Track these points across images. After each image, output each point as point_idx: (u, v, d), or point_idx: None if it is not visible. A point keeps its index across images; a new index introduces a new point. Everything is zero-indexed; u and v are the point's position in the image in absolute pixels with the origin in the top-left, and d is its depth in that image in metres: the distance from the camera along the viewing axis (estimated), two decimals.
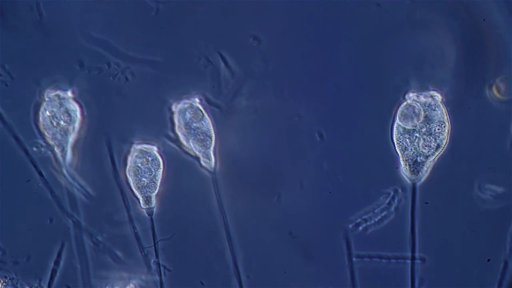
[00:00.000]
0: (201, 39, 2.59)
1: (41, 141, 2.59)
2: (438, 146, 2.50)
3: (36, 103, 2.59)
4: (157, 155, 2.57)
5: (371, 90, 2.57)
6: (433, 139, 2.50)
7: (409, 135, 2.50)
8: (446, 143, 2.51)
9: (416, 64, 2.54)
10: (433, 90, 2.51)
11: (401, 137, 2.51)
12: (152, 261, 2.60)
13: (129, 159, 2.57)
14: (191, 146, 2.58)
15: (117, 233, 2.61)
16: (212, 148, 2.58)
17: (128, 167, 2.57)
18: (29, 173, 2.60)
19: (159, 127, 2.58)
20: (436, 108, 2.50)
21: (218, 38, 2.59)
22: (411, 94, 2.52)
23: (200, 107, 2.58)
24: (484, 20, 2.53)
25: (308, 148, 2.60)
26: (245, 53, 2.59)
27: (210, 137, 2.58)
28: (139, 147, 2.57)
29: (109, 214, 2.61)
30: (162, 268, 2.61)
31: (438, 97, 2.50)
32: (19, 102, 2.60)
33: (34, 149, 2.59)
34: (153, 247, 2.60)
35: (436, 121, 2.49)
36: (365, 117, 2.57)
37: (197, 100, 2.58)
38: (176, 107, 2.58)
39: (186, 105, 2.57)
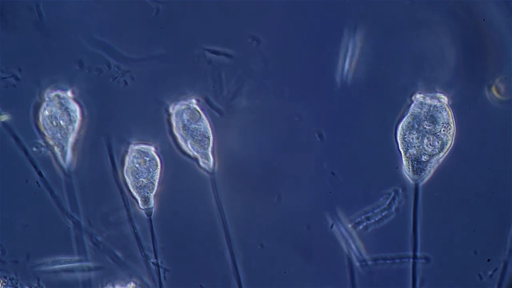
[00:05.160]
0: (201, 39, 2.59)
1: (41, 141, 2.59)
2: (442, 146, 2.49)
3: (36, 103, 2.59)
4: (155, 155, 2.57)
5: (371, 90, 2.57)
6: (437, 139, 2.49)
7: (415, 132, 2.50)
8: (451, 144, 2.51)
9: (416, 64, 2.54)
10: (440, 92, 2.51)
11: (405, 135, 2.51)
12: (151, 261, 2.61)
13: (127, 159, 2.57)
14: (189, 147, 2.58)
15: (114, 234, 2.62)
16: (210, 148, 2.58)
17: (125, 167, 2.57)
18: (29, 173, 2.60)
19: (156, 128, 2.58)
20: (442, 111, 2.50)
21: (218, 38, 2.59)
22: (417, 96, 2.51)
23: (197, 108, 2.58)
24: (484, 20, 2.53)
25: (308, 148, 2.60)
26: (245, 53, 2.59)
27: (208, 138, 2.58)
28: (136, 147, 2.57)
29: (105, 215, 2.61)
30: (161, 270, 2.61)
31: (445, 99, 2.50)
32: (19, 102, 2.60)
33: (34, 149, 2.59)
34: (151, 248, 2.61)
35: (441, 123, 2.49)
36: (365, 117, 2.57)
37: (194, 101, 2.58)
38: (173, 109, 2.58)
39: (183, 107, 2.57)
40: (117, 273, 2.61)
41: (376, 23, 2.56)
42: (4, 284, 2.59)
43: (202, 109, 2.58)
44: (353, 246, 2.55)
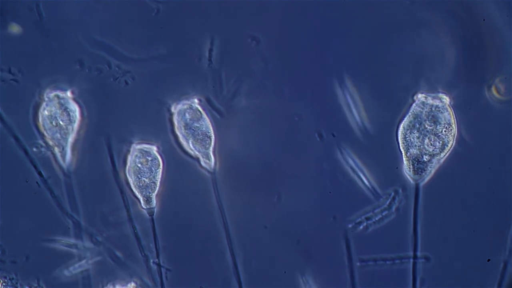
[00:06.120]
0: (201, 39, 2.59)
1: (40, 142, 2.59)
2: (443, 147, 2.49)
3: (35, 103, 2.58)
4: (157, 155, 2.57)
5: (371, 90, 2.57)
6: (438, 140, 2.49)
7: (416, 131, 2.50)
8: (452, 145, 2.51)
9: (415, 64, 2.55)
10: (442, 92, 2.51)
11: (406, 135, 2.51)
12: (153, 261, 2.60)
13: (129, 159, 2.57)
14: (191, 146, 2.58)
15: (114, 234, 2.62)
16: (211, 148, 2.58)
17: (127, 167, 2.57)
18: (29, 173, 2.60)
19: (158, 128, 2.58)
20: (444, 111, 2.49)
21: (218, 38, 2.59)
22: (419, 95, 2.51)
23: (199, 108, 2.58)
24: (484, 20, 2.54)
25: (308, 148, 2.60)
26: (245, 53, 2.59)
27: (210, 137, 2.58)
28: (139, 147, 2.57)
29: (104, 215, 2.61)
30: (162, 269, 2.61)
31: (446, 99, 2.50)
32: (19, 102, 2.60)
33: (34, 149, 2.59)
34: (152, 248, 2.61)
35: (443, 123, 2.49)
36: (365, 116, 2.57)
37: (196, 100, 2.58)
38: (175, 108, 2.57)
39: (185, 106, 2.57)
40: (117, 273, 2.61)
41: (376, 23, 2.57)
42: (4, 284, 2.59)
43: (203, 109, 2.58)
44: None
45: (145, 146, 2.56)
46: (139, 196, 2.57)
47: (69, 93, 2.58)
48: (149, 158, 2.55)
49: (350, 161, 2.56)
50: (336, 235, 2.59)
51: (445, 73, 2.53)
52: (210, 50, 2.57)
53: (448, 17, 2.55)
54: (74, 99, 2.59)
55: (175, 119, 2.57)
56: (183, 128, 2.57)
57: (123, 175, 2.58)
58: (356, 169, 2.56)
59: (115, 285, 2.60)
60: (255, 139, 2.61)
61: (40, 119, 2.58)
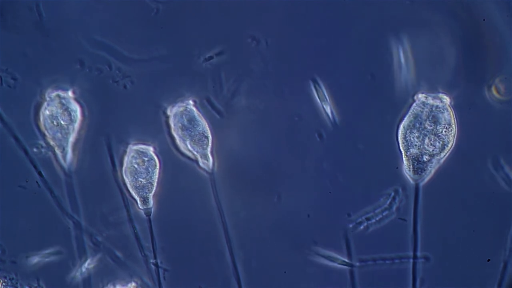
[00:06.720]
0: (201, 39, 2.59)
1: (41, 142, 2.59)
2: (443, 147, 2.49)
3: (36, 103, 2.59)
4: (154, 155, 2.57)
5: (372, 90, 2.57)
6: (438, 139, 2.49)
7: (416, 131, 2.49)
8: (452, 145, 2.50)
9: (415, 64, 2.54)
10: (442, 92, 2.51)
11: (406, 135, 2.51)
12: (151, 262, 2.61)
13: (125, 159, 2.57)
14: (189, 147, 2.58)
15: (114, 234, 2.62)
16: (209, 148, 2.57)
17: (124, 167, 2.57)
18: (29, 173, 2.60)
19: (156, 128, 2.58)
20: (444, 111, 2.49)
21: (218, 38, 2.59)
22: (420, 95, 2.51)
23: (195, 109, 2.58)
24: (484, 20, 2.53)
25: (308, 148, 2.60)
26: (245, 53, 2.59)
27: (207, 138, 2.58)
28: (135, 147, 2.57)
29: (104, 215, 2.61)
30: (161, 270, 2.61)
31: (447, 99, 2.50)
32: (19, 102, 2.60)
33: (35, 150, 2.59)
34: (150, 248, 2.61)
35: (443, 123, 2.48)
36: (366, 116, 2.57)
37: (191, 102, 2.58)
38: (171, 111, 2.57)
39: (181, 108, 2.57)
40: (117, 273, 2.62)
41: (376, 23, 2.56)
42: (4, 284, 2.60)
43: (198, 109, 2.59)
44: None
45: (142, 147, 2.56)
46: (135, 196, 2.57)
47: (70, 93, 2.59)
48: (146, 159, 2.55)
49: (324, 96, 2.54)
50: (336, 235, 2.59)
51: (445, 73, 2.53)
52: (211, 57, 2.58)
53: (448, 17, 2.54)
54: (76, 99, 2.60)
55: (172, 122, 2.57)
56: (180, 130, 2.57)
57: (121, 175, 2.58)
58: (325, 101, 2.54)
59: (115, 285, 2.61)
60: (255, 139, 2.61)
61: (41, 119, 2.59)
